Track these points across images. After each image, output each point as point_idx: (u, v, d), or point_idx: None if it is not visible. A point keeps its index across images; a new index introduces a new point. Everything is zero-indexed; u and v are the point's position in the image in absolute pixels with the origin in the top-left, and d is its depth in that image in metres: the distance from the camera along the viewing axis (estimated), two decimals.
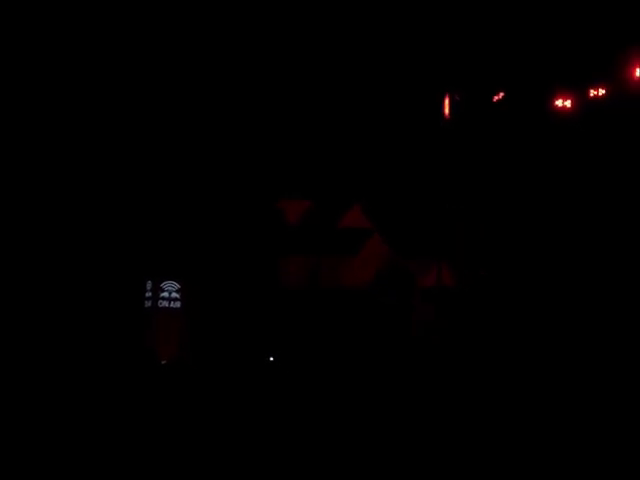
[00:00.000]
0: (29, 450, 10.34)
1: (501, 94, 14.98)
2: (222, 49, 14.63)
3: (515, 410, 12.57)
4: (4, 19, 13.83)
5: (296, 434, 11.68)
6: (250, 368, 14.61)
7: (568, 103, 14.60)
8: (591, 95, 14.45)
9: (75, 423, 11.92)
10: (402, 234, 15.14)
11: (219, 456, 10.91)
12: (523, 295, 13.93)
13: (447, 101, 15.19)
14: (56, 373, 13.49)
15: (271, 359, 15.09)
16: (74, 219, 14.85)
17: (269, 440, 11.35)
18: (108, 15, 14.11)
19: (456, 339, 13.94)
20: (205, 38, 14.54)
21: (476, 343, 13.82)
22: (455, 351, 13.81)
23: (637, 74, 14.06)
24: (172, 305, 15.40)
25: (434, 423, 12.32)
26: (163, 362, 14.65)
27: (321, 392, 13.43)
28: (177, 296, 15.41)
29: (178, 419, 12.45)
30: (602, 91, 14.35)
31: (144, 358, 14.37)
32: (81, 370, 13.72)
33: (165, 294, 15.38)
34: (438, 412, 12.71)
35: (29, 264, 14.26)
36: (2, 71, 13.95)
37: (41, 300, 14.24)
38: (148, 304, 15.44)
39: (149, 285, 15.44)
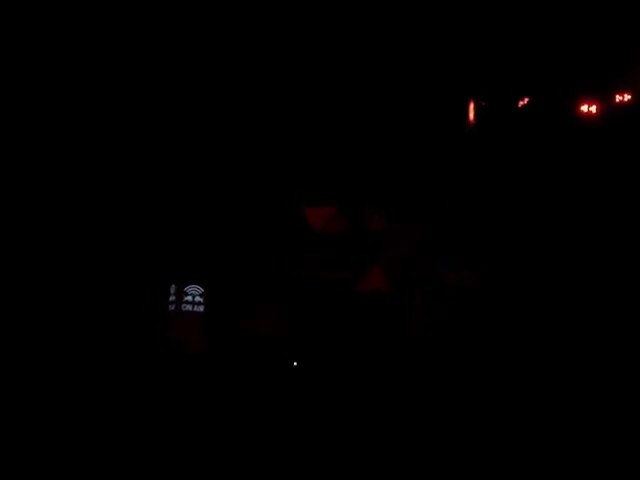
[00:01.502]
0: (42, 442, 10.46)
1: (526, 99, 14.87)
2: (245, 55, 14.61)
3: (515, 410, 12.54)
4: (4, 19, 13.87)
5: (303, 434, 11.73)
6: (272, 372, 14.63)
7: (594, 109, 14.49)
8: (617, 100, 14.33)
9: (87, 424, 12.03)
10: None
11: (228, 456, 10.97)
12: (523, 295, 13.81)
13: (472, 106, 15.11)
14: (76, 376, 13.60)
15: (295, 364, 15.07)
16: (99, 224, 14.88)
17: (278, 441, 11.41)
18: (108, 15, 14.10)
19: (456, 339, 13.85)
20: (227, 41, 14.53)
21: (476, 343, 13.72)
22: (455, 351, 13.73)
23: None
24: (195, 309, 15.40)
25: (434, 423, 12.32)
26: (184, 364, 14.65)
27: (333, 394, 13.47)
28: (201, 300, 15.40)
29: (189, 422, 12.53)
30: (628, 97, 14.24)
31: (165, 360, 14.41)
32: (102, 373, 13.82)
33: (189, 298, 15.39)
34: (438, 412, 12.70)
35: (53, 267, 14.30)
36: (2, 71, 13.99)
37: (63, 304, 14.29)
38: (172, 308, 15.44)
39: (173, 289, 15.44)
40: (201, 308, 15.40)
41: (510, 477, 11.11)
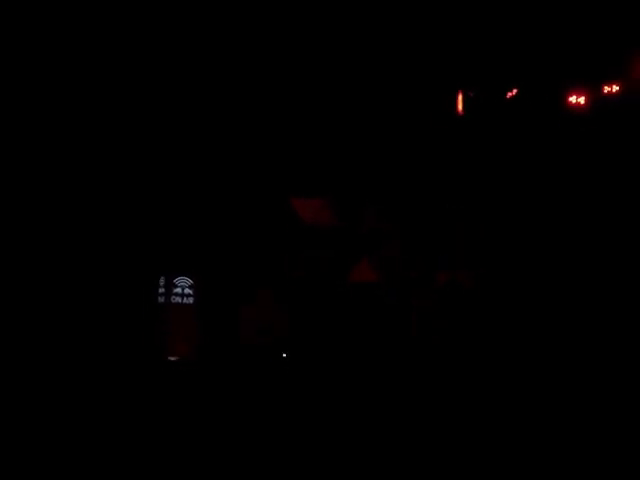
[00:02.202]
0: (31, 448, 10.45)
1: (514, 90, 14.84)
2: (237, 50, 14.57)
3: (515, 409, 12.55)
4: (4, 19, 13.81)
5: (299, 432, 11.73)
6: (262, 364, 14.65)
7: (582, 100, 14.45)
8: (605, 92, 14.30)
9: (79, 419, 12.01)
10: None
11: (222, 455, 10.98)
12: (523, 294, 13.82)
13: (460, 97, 15.08)
14: (66, 369, 13.59)
15: (284, 355, 15.08)
16: (86, 216, 14.85)
17: (272, 439, 11.41)
18: (108, 15, 14.05)
19: (456, 339, 13.85)
20: (216, 37, 14.49)
21: (476, 343, 13.73)
22: (455, 351, 13.74)
23: None
24: (185, 301, 15.39)
25: (434, 422, 12.32)
26: (173, 358, 14.63)
27: (327, 390, 13.46)
28: (190, 292, 15.38)
29: (182, 417, 12.52)
30: (616, 87, 14.20)
31: (154, 354, 14.40)
32: (91, 366, 13.81)
33: (178, 290, 15.37)
34: (438, 412, 12.71)
35: (38, 260, 14.26)
36: (2, 71, 13.94)
37: (51, 296, 14.26)
38: (161, 300, 15.41)
39: (162, 281, 15.41)
40: (191, 300, 15.38)
41: (510, 477, 11.13)
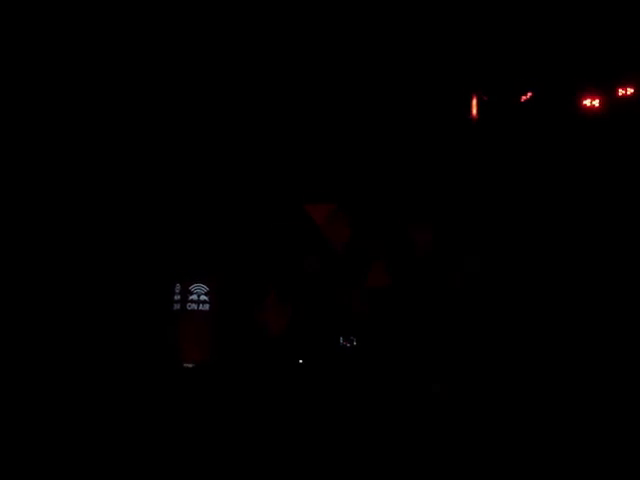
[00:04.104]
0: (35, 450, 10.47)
1: (529, 94, 14.81)
2: (243, 51, 14.58)
3: (516, 409, 12.54)
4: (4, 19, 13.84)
5: (311, 439, 11.73)
6: (279, 370, 14.64)
7: (596, 102, 14.41)
8: (619, 94, 14.25)
9: (94, 425, 12.04)
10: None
11: (233, 459, 10.98)
12: (524, 294, 13.79)
13: (475, 101, 15.05)
14: (82, 376, 13.63)
15: (300, 362, 15.06)
16: (103, 223, 14.89)
17: (284, 445, 11.41)
18: (108, 15, 14.07)
19: (463, 338, 13.84)
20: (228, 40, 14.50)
21: (481, 342, 13.72)
22: (460, 350, 13.73)
23: None
24: (201, 308, 15.39)
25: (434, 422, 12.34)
26: (188, 365, 14.64)
27: (341, 397, 13.47)
28: (206, 299, 15.39)
29: (196, 422, 12.53)
30: (630, 90, 14.15)
31: (169, 361, 14.41)
32: (107, 373, 13.84)
33: (194, 297, 15.37)
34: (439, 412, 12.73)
35: (54, 267, 14.30)
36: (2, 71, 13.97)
37: (67, 303, 14.29)
38: (177, 307, 15.42)
39: (178, 288, 15.42)
40: (207, 307, 15.39)
41: (509, 477, 11.13)
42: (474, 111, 15.02)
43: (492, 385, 13.19)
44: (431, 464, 11.32)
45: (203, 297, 15.40)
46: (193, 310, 15.42)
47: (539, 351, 13.49)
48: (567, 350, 13.38)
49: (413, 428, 12.29)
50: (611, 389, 12.64)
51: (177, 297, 15.44)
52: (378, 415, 12.78)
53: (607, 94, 14.31)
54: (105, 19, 14.34)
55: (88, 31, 14.34)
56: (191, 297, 15.40)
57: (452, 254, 14.60)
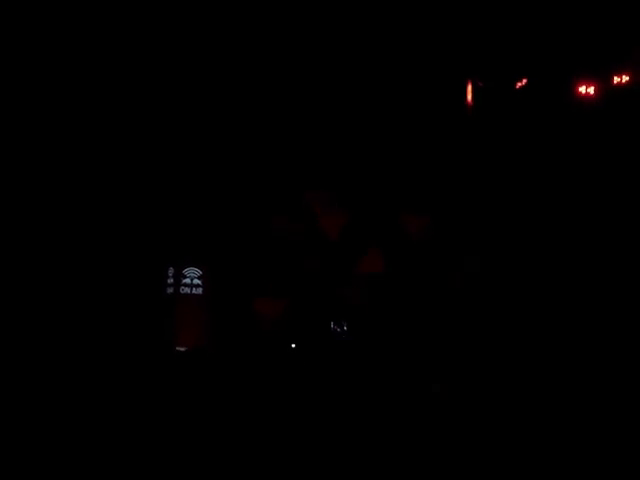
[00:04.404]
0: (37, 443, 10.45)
1: (524, 80, 14.82)
2: (240, 48, 14.58)
3: (516, 409, 12.56)
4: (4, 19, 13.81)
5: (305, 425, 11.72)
6: (272, 356, 14.65)
7: (591, 90, 14.44)
8: (615, 82, 14.28)
9: (87, 411, 12.02)
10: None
11: (228, 448, 10.98)
12: (524, 294, 13.82)
13: (470, 88, 15.06)
14: (74, 361, 13.61)
15: (293, 346, 15.08)
16: (95, 208, 14.86)
17: (278, 432, 11.40)
18: (108, 15, 14.05)
19: (462, 335, 13.87)
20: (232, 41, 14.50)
21: (476, 342, 13.76)
22: (459, 347, 13.76)
23: None
24: (194, 292, 15.38)
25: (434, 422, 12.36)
26: (181, 349, 14.64)
27: (334, 382, 13.47)
28: (199, 282, 15.37)
29: (190, 408, 12.52)
30: (626, 78, 14.19)
31: (163, 344, 14.41)
32: (100, 358, 13.83)
33: (187, 280, 15.35)
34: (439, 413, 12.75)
35: (46, 252, 14.27)
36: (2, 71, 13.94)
37: (59, 288, 14.26)
38: (170, 290, 15.40)
39: (171, 272, 15.40)
40: (199, 290, 15.37)
41: (509, 477, 11.15)
42: (469, 97, 15.02)
43: (492, 385, 13.20)
44: (431, 464, 11.31)
45: (196, 281, 15.38)
46: (186, 294, 15.39)
47: (539, 351, 13.51)
48: (567, 349, 13.40)
49: (413, 428, 12.28)
50: (611, 389, 12.66)
51: (170, 281, 15.41)
52: (378, 415, 12.78)
53: (602, 81, 14.35)
54: (105, 19, 14.34)
55: (88, 31, 14.35)
56: (184, 281, 15.37)
57: (452, 254, 14.58)
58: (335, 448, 11.69)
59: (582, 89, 14.44)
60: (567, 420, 12.12)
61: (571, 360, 13.24)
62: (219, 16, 14.60)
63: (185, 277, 15.36)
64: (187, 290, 15.37)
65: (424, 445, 11.70)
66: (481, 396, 12.98)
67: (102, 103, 14.77)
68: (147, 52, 14.72)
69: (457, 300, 14.27)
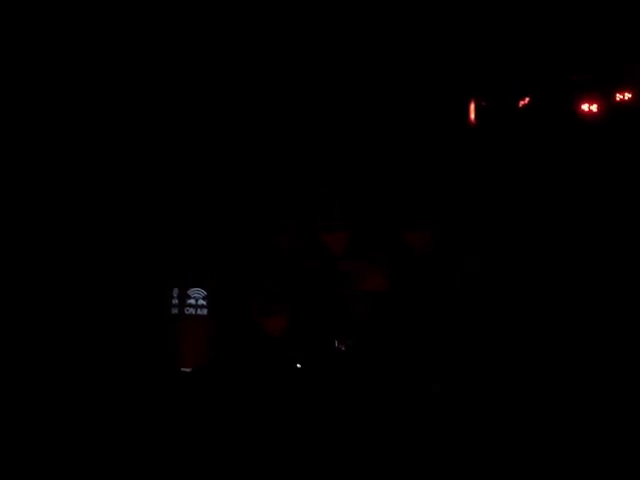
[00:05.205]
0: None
1: (527, 99, 14.84)
2: (240, 50, 14.60)
3: (516, 409, 12.54)
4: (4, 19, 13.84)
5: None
6: (277, 375, 14.60)
7: (594, 107, 14.46)
8: (617, 99, 14.30)
9: (90, 430, 12.01)
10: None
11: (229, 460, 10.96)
12: (524, 294, 13.81)
13: (472, 106, 15.08)
14: (78, 380, 13.59)
15: (298, 366, 15.04)
16: (99, 227, 14.86)
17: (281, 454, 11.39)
18: (108, 15, 14.08)
19: (463, 342, 13.84)
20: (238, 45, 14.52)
21: (476, 342, 13.73)
22: (459, 353, 13.73)
23: None
24: (199, 312, 15.36)
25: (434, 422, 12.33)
26: (186, 369, 14.61)
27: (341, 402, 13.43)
28: (204, 303, 15.36)
29: (193, 427, 12.50)
30: (628, 95, 14.21)
31: (167, 365, 14.38)
32: (104, 377, 13.81)
33: (192, 301, 15.34)
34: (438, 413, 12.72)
35: (51, 271, 14.27)
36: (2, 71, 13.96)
37: (64, 307, 14.26)
38: (174, 311, 15.39)
39: (175, 292, 15.39)
40: (204, 311, 15.36)
41: (509, 477, 11.14)
42: (472, 116, 15.04)
43: (492, 385, 13.17)
44: (431, 464, 11.31)
45: (201, 302, 15.37)
46: (191, 315, 15.37)
47: (539, 351, 13.48)
48: (567, 349, 13.38)
49: (413, 428, 12.26)
50: (611, 389, 12.64)
51: (175, 301, 15.40)
52: (377, 415, 12.75)
53: (605, 99, 14.37)
54: (105, 19, 14.36)
55: (88, 31, 14.36)
56: (189, 301, 15.36)
57: (452, 254, 14.56)
58: (335, 448, 11.69)
59: (585, 106, 14.44)
60: (567, 420, 12.09)
61: (572, 360, 13.21)
62: (219, 16, 14.61)
63: (190, 297, 15.34)
64: (192, 311, 15.35)
65: (424, 445, 11.68)
66: (481, 396, 12.95)
67: (102, 106, 14.78)
68: (147, 53, 14.73)
69: (457, 300, 14.24)
